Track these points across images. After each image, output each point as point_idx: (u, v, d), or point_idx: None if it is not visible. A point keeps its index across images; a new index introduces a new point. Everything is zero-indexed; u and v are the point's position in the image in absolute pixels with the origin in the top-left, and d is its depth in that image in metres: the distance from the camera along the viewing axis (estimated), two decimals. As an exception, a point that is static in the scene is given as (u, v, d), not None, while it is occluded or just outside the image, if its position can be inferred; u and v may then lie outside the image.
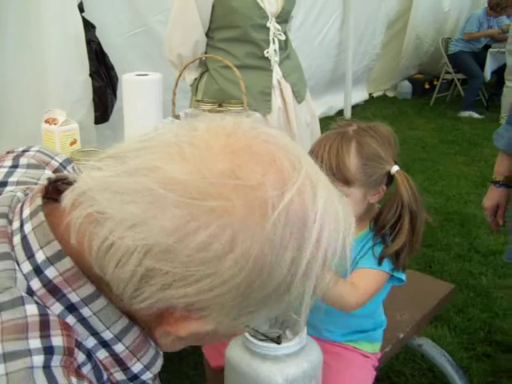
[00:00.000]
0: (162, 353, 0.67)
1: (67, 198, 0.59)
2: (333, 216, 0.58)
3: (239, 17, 2.25)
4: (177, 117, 2.19)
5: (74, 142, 1.81)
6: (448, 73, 6.80)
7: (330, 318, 1.44)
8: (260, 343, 1.27)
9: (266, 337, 0.78)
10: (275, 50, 2.32)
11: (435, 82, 7.10)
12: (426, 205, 1.34)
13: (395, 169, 1.31)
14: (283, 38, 2.35)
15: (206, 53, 2.34)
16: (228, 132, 0.57)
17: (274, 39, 2.32)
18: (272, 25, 2.30)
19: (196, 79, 2.43)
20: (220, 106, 2.20)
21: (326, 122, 5.93)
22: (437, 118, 6.24)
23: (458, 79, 6.73)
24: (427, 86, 7.23)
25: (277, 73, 2.36)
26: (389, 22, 6.68)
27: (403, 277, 1.39)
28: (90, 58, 3.25)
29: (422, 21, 6.94)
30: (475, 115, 6.25)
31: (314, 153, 1.29)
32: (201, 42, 2.32)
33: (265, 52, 2.31)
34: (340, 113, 6.04)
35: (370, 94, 6.93)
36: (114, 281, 0.56)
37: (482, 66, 6.33)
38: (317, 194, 0.57)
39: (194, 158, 0.54)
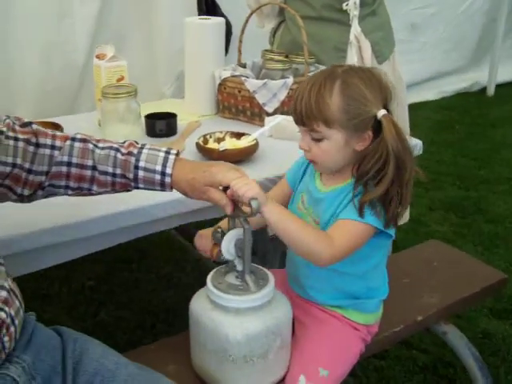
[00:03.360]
0: None
1: None
2: None
3: None
4: (243, 65, 2.15)
5: (121, 79, 1.85)
6: None
7: (313, 273, 1.34)
8: (222, 294, 1.22)
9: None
10: (355, 3, 2.16)
11: None
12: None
13: (382, 112, 1.20)
14: None
15: (284, 1, 2.25)
16: None
17: None
18: None
19: (273, 28, 2.36)
20: (287, 57, 2.12)
21: (464, 99, 5.41)
22: None
23: None
24: None
25: (355, 29, 2.20)
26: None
27: (392, 232, 1.27)
28: (199, 9, 3.28)
29: None
30: None
31: (297, 92, 1.24)
32: None
33: (343, 4, 2.16)
34: (483, 90, 5.57)
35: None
36: None
37: None
38: None
39: None
